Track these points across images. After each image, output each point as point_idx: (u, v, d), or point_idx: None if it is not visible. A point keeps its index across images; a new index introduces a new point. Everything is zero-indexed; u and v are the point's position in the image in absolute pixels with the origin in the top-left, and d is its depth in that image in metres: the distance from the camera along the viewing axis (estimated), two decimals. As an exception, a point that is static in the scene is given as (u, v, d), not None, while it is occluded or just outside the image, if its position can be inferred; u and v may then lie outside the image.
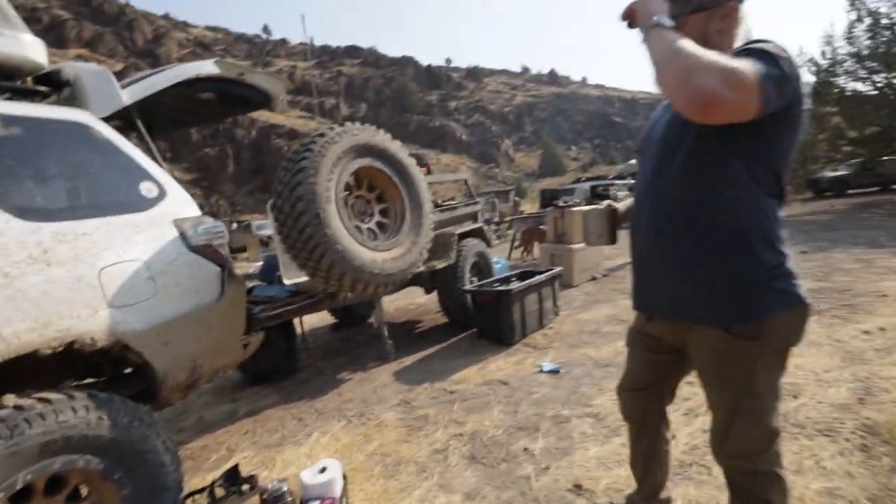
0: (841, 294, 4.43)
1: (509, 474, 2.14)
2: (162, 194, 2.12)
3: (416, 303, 6.54)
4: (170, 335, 1.95)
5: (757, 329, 1.06)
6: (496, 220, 16.70)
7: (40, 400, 1.48)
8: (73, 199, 1.95)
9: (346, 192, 2.99)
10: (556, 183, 35.64)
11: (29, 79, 2.12)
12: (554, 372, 3.29)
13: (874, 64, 12.87)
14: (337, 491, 1.89)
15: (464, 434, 2.58)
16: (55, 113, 1.94)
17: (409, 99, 64.06)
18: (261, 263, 5.07)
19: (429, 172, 5.44)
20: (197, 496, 2.02)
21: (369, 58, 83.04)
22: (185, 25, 77.71)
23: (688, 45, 0.92)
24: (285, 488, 1.92)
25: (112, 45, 55.28)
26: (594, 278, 6.55)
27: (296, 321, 4.49)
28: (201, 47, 67.98)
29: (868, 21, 12.81)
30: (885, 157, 14.17)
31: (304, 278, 3.56)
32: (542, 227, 8.60)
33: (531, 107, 76.54)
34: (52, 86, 2.15)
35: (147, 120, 2.44)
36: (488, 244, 5.34)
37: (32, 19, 45.21)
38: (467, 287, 4.46)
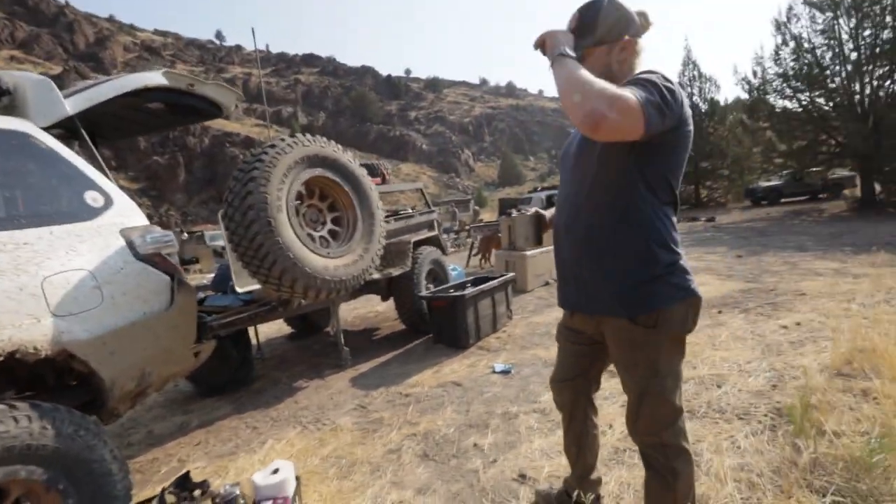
0: (767, 293, 4.84)
1: (459, 468, 2.25)
2: (108, 203, 2.11)
3: (375, 311, 6.58)
4: (117, 344, 1.94)
5: (656, 319, 1.23)
6: (456, 228, 16.96)
7: (-21, 411, 1.47)
8: (12, 209, 1.91)
9: (298, 202, 3.04)
10: (515, 192, 36.52)
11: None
12: (505, 372, 3.44)
13: (798, 84, 14.04)
14: (289, 491, 1.93)
15: (417, 434, 2.66)
16: (-7, 122, 1.92)
17: (368, 108, 63.87)
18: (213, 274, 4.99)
19: (384, 181, 5.53)
20: (147, 505, 2.01)
21: (328, 67, 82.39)
22: (131, 29, 74.60)
23: (584, 74, 1.07)
24: (237, 492, 1.94)
25: (50, 48, 52.37)
26: (547, 283, 6.80)
27: (251, 331, 4.46)
28: (149, 52, 65.38)
29: (792, 45, 13.99)
30: (813, 169, 15.41)
31: (256, 286, 3.57)
32: (499, 234, 8.84)
33: (490, 118, 77.95)
34: (-10, 95, 2.11)
35: (92, 128, 2.43)
36: (444, 252, 5.47)
37: (-42, 18, 42.29)
38: (423, 293, 4.57)
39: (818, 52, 13.56)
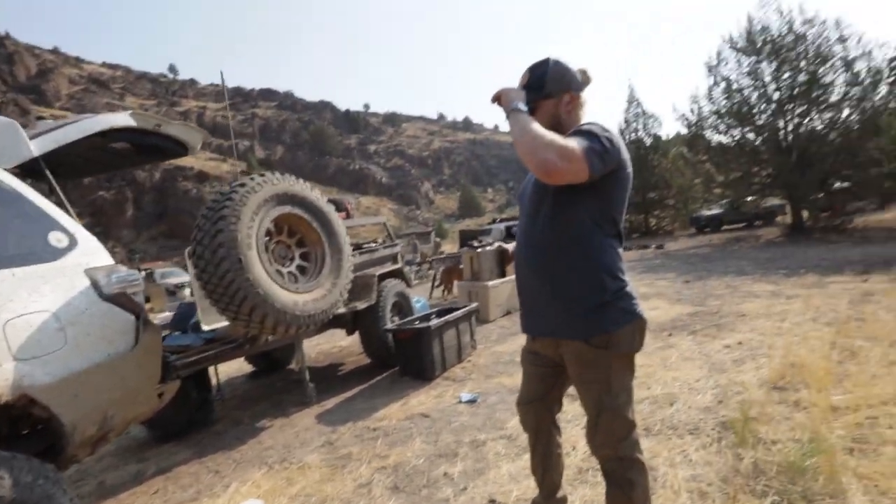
0: (712, 316, 5.18)
1: (430, 498, 2.28)
2: (73, 244, 2.10)
3: (339, 346, 6.51)
4: (80, 387, 1.90)
5: (607, 340, 1.37)
6: (418, 260, 17.05)
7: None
8: (-29, 252, 1.88)
9: (267, 238, 3.08)
10: (475, 223, 37.22)
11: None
12: (472, 401, 3.51)
13: (731, 121, 15.33)
14: (260, 531, 1.91)
15: (387, 467, 2.68)
16: (-45, 164, 1.90)
17: (327, 142, 64.11)
18: (168, 314, 4.85)
19: (348, 216, 5.61)
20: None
21: (285, 101, 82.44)
22: (77, 61, 72.31)
23: (535, 127, 1.24)
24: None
25: (-12, 79, 49.98)
26: (509, 312, 6.96)
27: (211, 371, 4.33)
28: (96, 84, 63.51)
29: (723, 85, 15.34)
30: (748, 198, 16.68)
31: (222, 324, 3.52)
32: (460, 266, 9.00)
33: (448, 151, 79.84)
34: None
35: (54, 168, 2.41)
36: (408, 284, 5.55)
37: None
38: (388, 326, 4.60)
39: (745, 91, 14.91)
